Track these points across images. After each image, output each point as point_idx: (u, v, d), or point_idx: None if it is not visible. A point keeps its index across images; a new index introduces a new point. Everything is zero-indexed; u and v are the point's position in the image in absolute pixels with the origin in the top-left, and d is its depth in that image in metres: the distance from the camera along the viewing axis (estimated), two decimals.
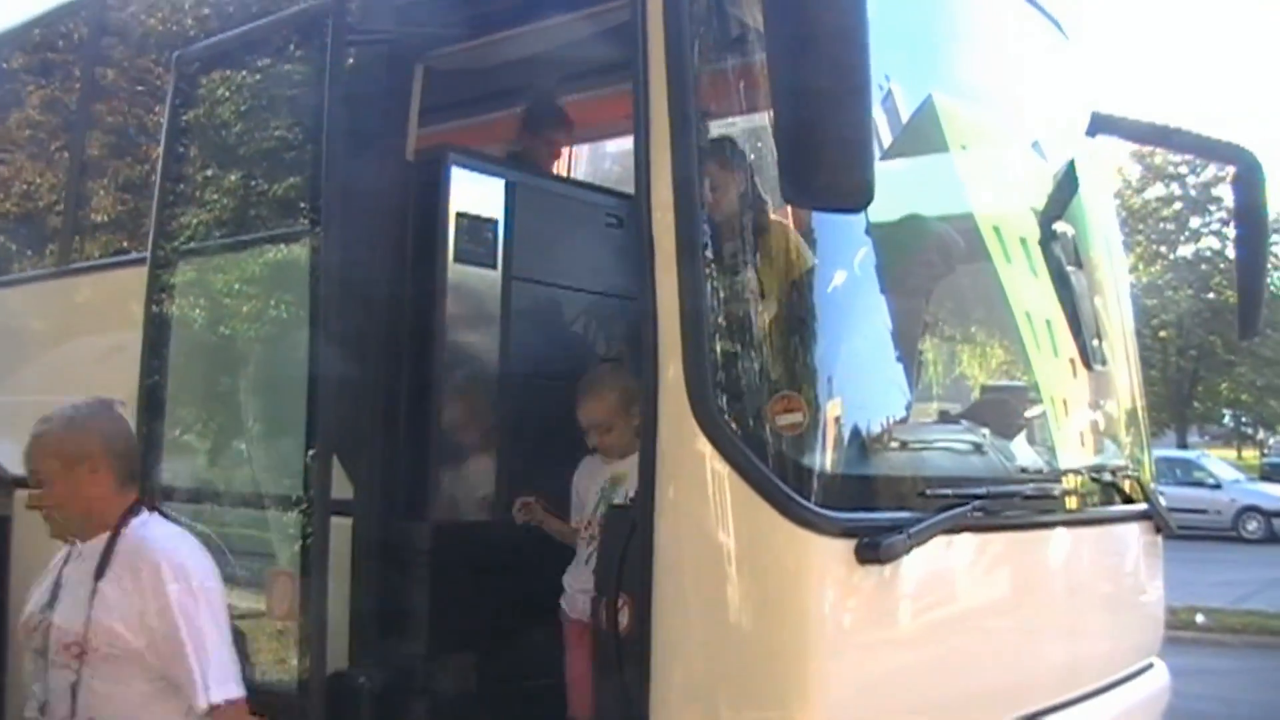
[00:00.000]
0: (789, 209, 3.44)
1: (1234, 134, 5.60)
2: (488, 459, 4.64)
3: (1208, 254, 40.31)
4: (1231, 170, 5.35)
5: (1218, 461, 34.20)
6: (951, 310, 4.36)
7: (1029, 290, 4.56)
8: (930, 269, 4.18)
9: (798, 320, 3.49)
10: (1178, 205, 39.27)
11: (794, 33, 2.96)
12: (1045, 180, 4.88)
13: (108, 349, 5.46)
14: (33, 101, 6.36)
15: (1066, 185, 4.94)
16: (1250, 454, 53.58)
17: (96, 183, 5.84)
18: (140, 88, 5.70)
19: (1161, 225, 39.39)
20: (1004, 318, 4.40)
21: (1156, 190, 39.15)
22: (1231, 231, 39.06)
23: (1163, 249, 39.71)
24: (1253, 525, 29.08)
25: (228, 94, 4.78)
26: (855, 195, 2.97)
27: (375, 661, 4.19)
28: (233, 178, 4.74)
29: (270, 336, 4.65)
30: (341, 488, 4.15)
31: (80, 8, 6.15)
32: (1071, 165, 4.99)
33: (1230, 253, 39.30)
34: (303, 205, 4.41)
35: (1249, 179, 5.26)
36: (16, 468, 5.58)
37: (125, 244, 5.58)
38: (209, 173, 4.81)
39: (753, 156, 3.54)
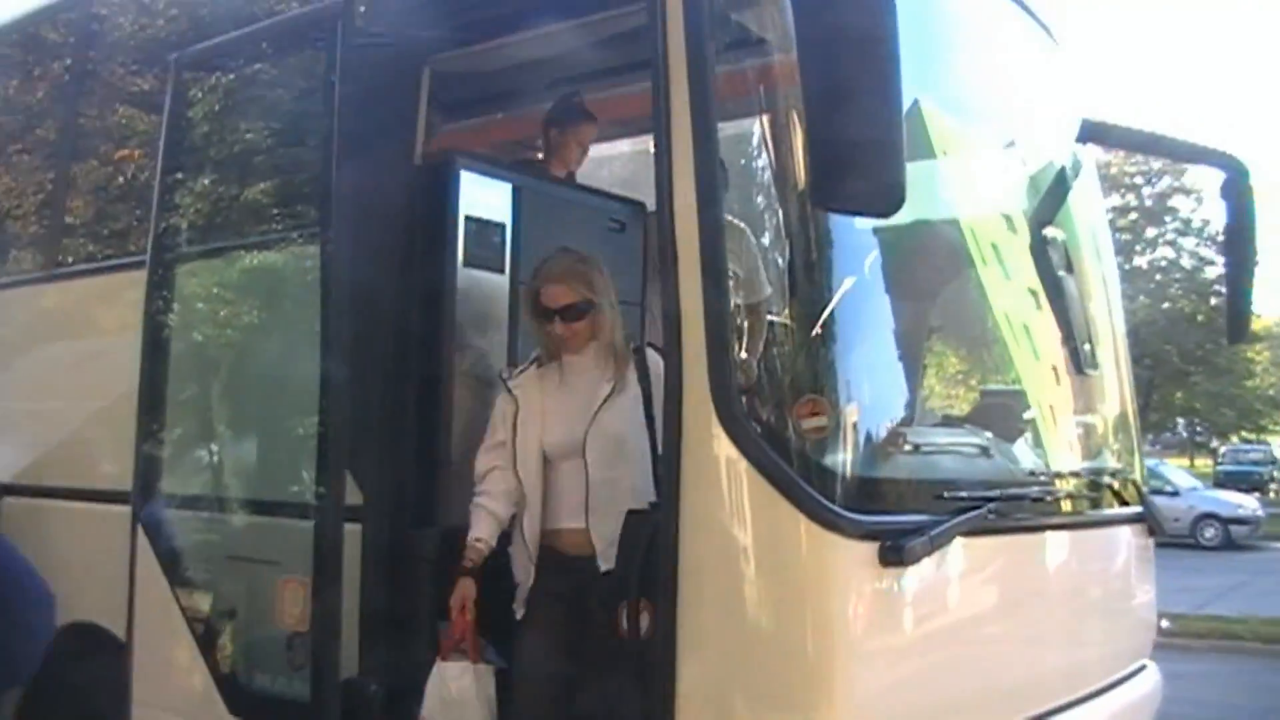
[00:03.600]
0: (812, 212, 3.44)
1: (1220, 140, 5.66)
2: None
3: (1163, 264, 40.68)
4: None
5: (1175, 469, 34.56)
6: (960, 315, 4.39)
7: (1027, 295, 4.59)
8: (939, 275, 4.22)
9: (820, 324, 3.49)
10: (1133, 215, 39.58)
11: (823, 35, 2.97)
12: (1040, 186, 4.91)
13: (98, 353, 5.42)
14: (23, 102, 6.29)
15: (1060, 190, 4.97)
16: (1202, 462, 54.07)
17: (87, 185, 5.78)
18: (132, 89, 5.65)
19: (1117, 235, 39.70)
20: (1005, 322, 4.43)
21: (1112, 200, 39.42)
22: (1186, 242, 39.78)
23: (1119, 259, 39.80)
24: (1210, 532, 29.37)
25: (229, 96, 4.75)
26: (886, 200, 2.98)
27: (385, 668, 4.17)
28: (236, 181, 4.72)
29: (275, 341, 4.64)
30: (350, 494, 4.13)
31: (70, 7, 6.09)
32: (1064, 171, 5.04)
33: (1185, 263, 39.87)
34: (310, 210, 4.40)
35: (1236, 186, 5.30)
36: (2, 474, 5.57)
37: (114, 248, 5.52)
38: (211, 176, 4.78)
39: (776, 160, 3.54)
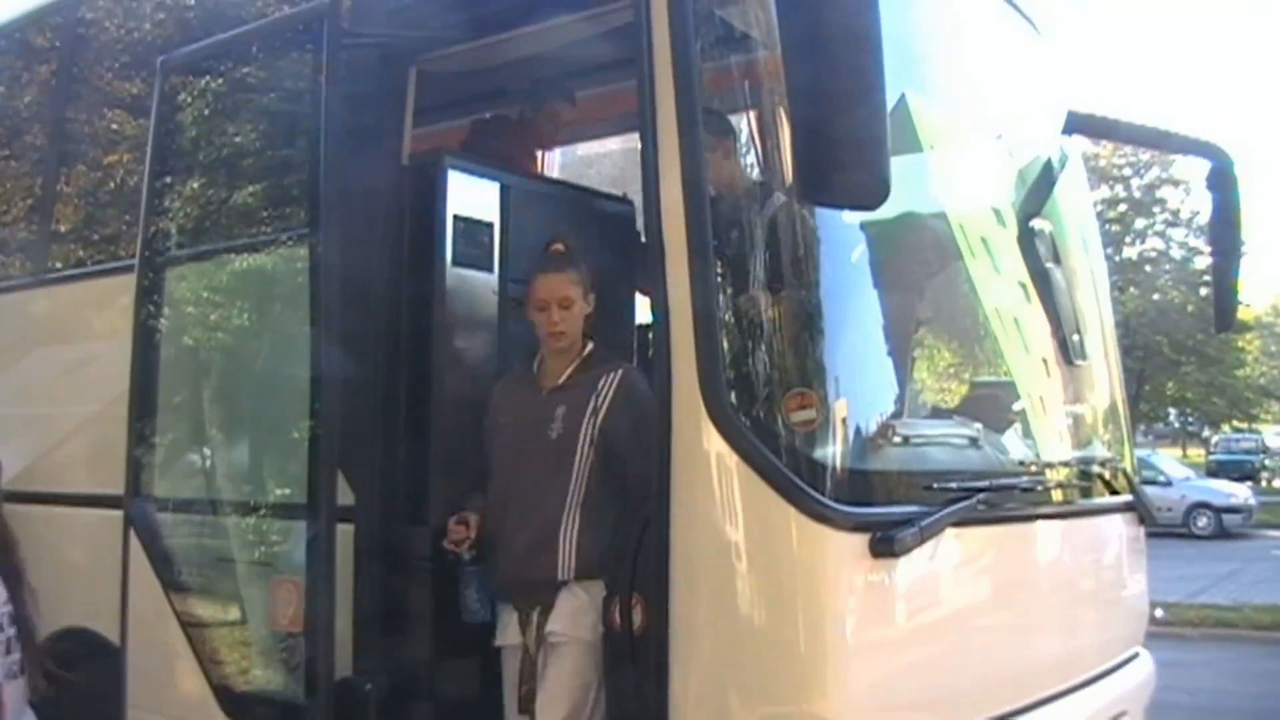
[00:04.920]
0: (798, 206, 3.45)
1: (1209, 129, 5.69)
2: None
3: (1153, 255, 40.71)
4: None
5: (1168, 459, 34.63)
6: (949, 307, 4.40)
7: (1016, 287, 4.61)
8: (928, 267, 4.23)
9: (808, 317, 3.51)
10: (1122, 207, 39.60)
11: (807, 32, 2.98)
12: (1027, 177, 4.93)
13: (88, 358, 5.42)
14: (10, 107, 6.29)
15: (1047, 182, 4.99)
16: (1194, 452, 54.21)
17: (75, 189, 5.78)
18: (119, 93, 5.65)
19: (1107, 227, 39.78)
20: (994, 313, 4.44)
21: (1101, 192, 39.46)
22: (1175, 233, 39.82)
23: (1108, 250, 39.98)
24: (1203, 521, 29.45)
25: (216, 99, 4.75)
26: (872, 193, 3.00)
27: (379, 667, 4.18)
28: (224, 184, 4.72)
29: (266, 343, 4.64)
30: (341, 494, 4.14)
31: (56, 11, 6.09)
32: (1050, 162, 5.06)
33: (1175, 254, 39.91)
34: (298, 211, 4.40)
35: (1223, 175, 5.33)
36: None
37: (104, 253, 5.52)
38: (199, 179, 4.78)
39: (762, 155, 3.56)
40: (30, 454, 5.55)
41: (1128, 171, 39.66)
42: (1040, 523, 4.35)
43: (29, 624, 4.24)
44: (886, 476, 3.64)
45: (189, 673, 4.48)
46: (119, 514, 4.73)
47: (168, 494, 4.72)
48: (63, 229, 5.81)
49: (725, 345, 3.41)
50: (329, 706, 3.99)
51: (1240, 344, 40.26)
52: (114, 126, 5.69)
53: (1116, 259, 37.91)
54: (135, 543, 4.68)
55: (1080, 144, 5.69)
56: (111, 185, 5.58)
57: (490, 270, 4.58)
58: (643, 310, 4.82)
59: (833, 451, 3.44)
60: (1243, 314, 6.69)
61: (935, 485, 3.68)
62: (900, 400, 3.89)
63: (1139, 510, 5.05)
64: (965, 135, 4.60)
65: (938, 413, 4.16)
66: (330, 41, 4.12)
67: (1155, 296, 39.22)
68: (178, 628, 4.55)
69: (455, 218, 4.44)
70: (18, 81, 6.32)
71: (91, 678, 4.87)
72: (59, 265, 5.74)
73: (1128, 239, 40.10)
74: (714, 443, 3.37)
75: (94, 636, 4.89)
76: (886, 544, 3.33)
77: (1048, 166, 5.02)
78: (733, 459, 3.35)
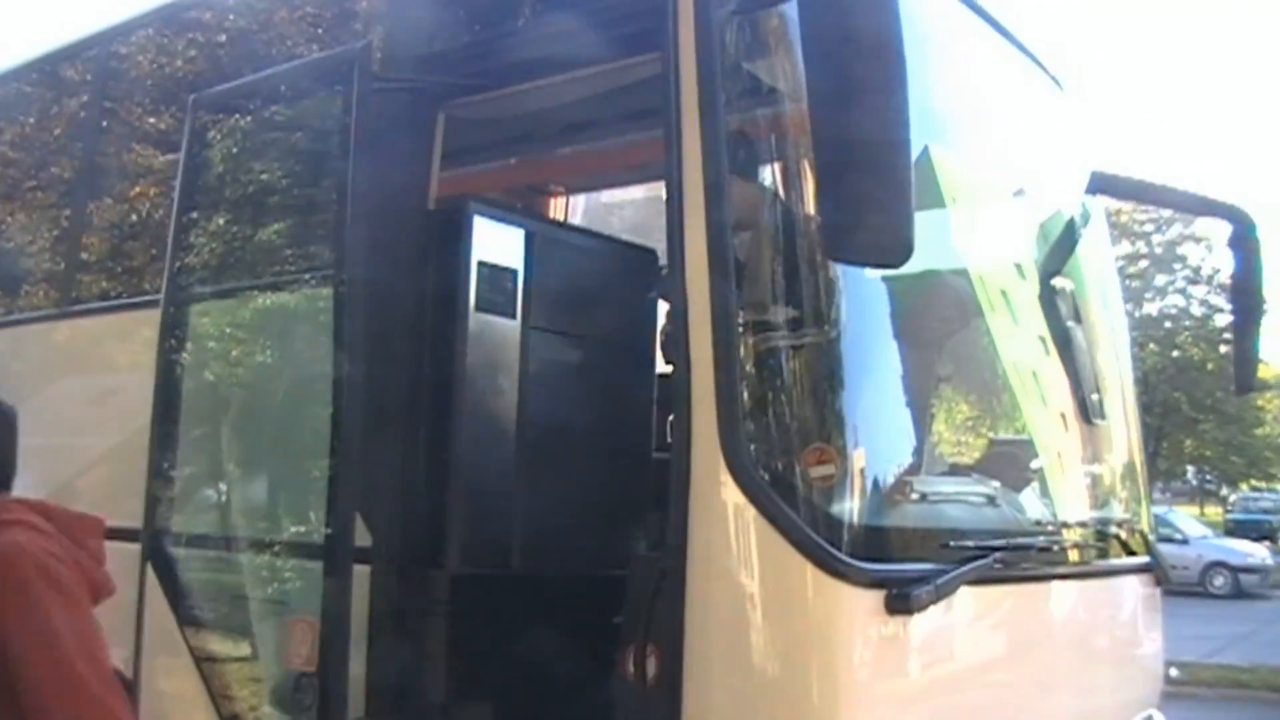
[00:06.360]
0: (822, 262, 3.47)
1: (1227, 193, 5.70)
2: (506, 508, 4.62)
3: (1173, 311, 40.67)
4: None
5: (1185, 517, 34.48)
6: (969, 364, 4.41)
7: (1036, 344, 4.63)
8: (949, 324, 4.24)
9: (829, 372, 3.52)
10: (1143, 263, 39.59)
11: (834, 87, 3.02)
12: (1049, 235, 4.95)
13: (110, 390, 5.45)
14: (41, 139, 6.36)
15: (1069, 240, 5.01)
16: (1212, 510, 53.88)
17: (103, 222, 5.83)
18: (149, 129, 5.71)
19: (1127, 283, 39.68)
20: (1014, 371, 4.45)
21: (1123, 248, 39.45)
22: (1196, 290, 39.74)
23: (1128, 306, 39.63)
24: (1219, 580, 29.31)
25: (246, 138, 4.80)
26: (896, 252, 3.02)
27: (393, 710, 4.17)
28: (250, 222, 4.76)
29: (287, 382, 4.66)
30: (359, 535, 4.14)
31: (89, 46, 6.16)
32: (1073, 221, 5.08)
33: (1195, 311, 39.82)
34: (323, 251, 4.43)
35: (1244, 238, 5.34)
36: None
37: (129, 286, 5.56)
38: (226, 216, 4.82)
39: (786, 209, 3.58)
40: (50, 484, 5.56)
41: (1149, 227, 39.69)
42: (1056, 582, 4.35)
43: None
44: (903, 533, 3.64)
45: (201, 708, 4.47)
46: (136, 547, 4.73)
47: (186, 529, 4.73)
48: (89, 261, 5.85)
49: (745, 398, 3.42)
50: None
51: (1260, 403, 40.14)
52: (142, 161, 5.73)
53: (1136, 315, 37.84)
54: (151, 576, 4.68)
55: (1103, 202, 5.71)
56: (138, 219, 5.62)
57: (513, 316, 4.60)
58: (662, 361, 4.82)
59: (850, 507, 3.44)
60: (1263, 372, 6.66)
61: (952, 543, 3.68)
62: (919, 457, 3.90)
63: (1155, 571, 5.03)
64: (989, 192, 4.62)
65: (956, 470, 4.15)
66: (360, 85, 4.15)
67: (1175, 353, 39.18)
68: (191, 663, 4.54)
69: (479, 263, 4.46)
70: (49, 113, 6.38)
71: None
72: (84, 297, 5.77)
73: (1148, 295, 40.06)
74: (732, 495, 3.37)
75: None
76: (902, 601, 3.32)
77: (1070, 224, 5.05)
78: (750, 512, 3.35)
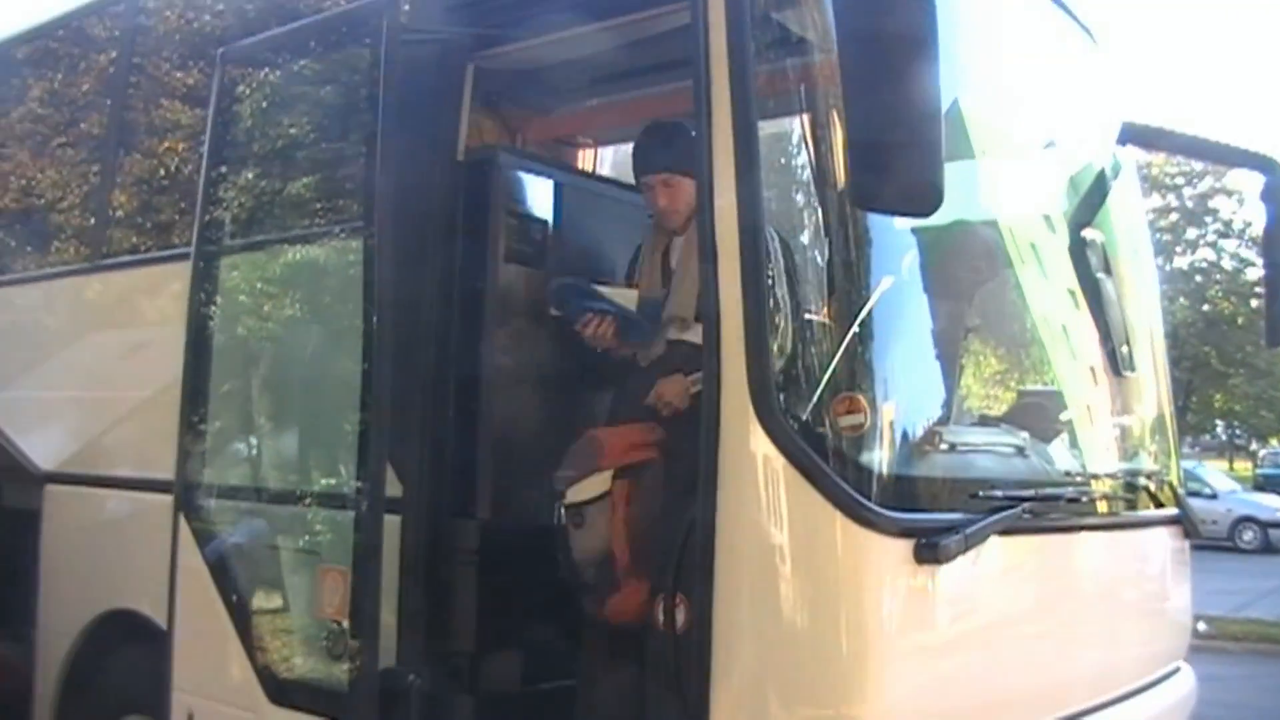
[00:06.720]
0: (851, 211, 3.46)
1: (1263, 143, 5.64)
2: (536, 458, 4.64)
3: (1203, 265, 40.37)
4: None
5: (1214, 472, 34.39)
6: (996, 315, 4.40)
7: (1065, 296, 4.60)
8: (978, 274, 4.23)
9: (859, 322, 3.50)
10: (1174, 216, 39.30)
11: (864, 36, 3.00)
12: (1079, 187, 4.92)
13: (139, 344, 5.49)
14: (70, 96, 6.37)
15: (1099, 192, 4.97)
16: (1241, 465, 53.69)
17: (133, 177, 5.85)
18: (177, 84, 5.71)
19: (1157, 236, 39.42)
20: (1043, 322, 4.45)
21: (1153, 201, 39.18)
22: (1227, 244, 39.44)
23: (1158, 260, 39.40)
24: (1249, 535, 29.26)
25: (274, 91, 4.80)
26: (925, 200, 3.00)
27: (424, 659, 4.21)
28: (279, 175, 4.76)
29: (317, 334, 4.68)
30: (390, 485, 4.17)
31: (116, 2, 6.16)
32: (1103, 172, 5.04)
33: (1226, 265, 39.53)
34: (353, 204, 4.44)
35: (1277, 189, 5.29)
36: (47, 463, 5.65)
37: (160, 240, 5.58)
38: (255, 170, 4.83)
39: (816, 158, 3.56)
40: (83, 437, 5.63)
41: (1180, 181, 39.37)
42: (1085, 534, 4.34)
43: None
44: (932, 483, 3.64)
45: (234, 658, 4.51)
46: (169, 499, 4.78)
47: (217, 480, 4.75)
48: (119, 215, 5.87)
49: (775, 347, 3.42)
50: (373, 697, 4.02)
51: None
52: (171, 116, 5.74)
53: (1167, 269, 37.65)
54: (184, 528, 4.72)
55: (1134, 154, 5.66)
56: (168, 173, 5.64)
57: (542, 267, 4.61)
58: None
59: (880, 457, 3.45)
60: None
61: (981, 493, 3.68)
62: (948, 407, 3.90)
63: (1184, 524, 5.01)
64: (1019, 143, 4.59)
65: (985, 420, 4.15)
66: (389, 36, 4.14)
67: (1205, 307, 38.91)
68: (224, 613, 4.59)
69: (508, 213, 4.47)
70: (77, 69, 6.39)
71: (138, 659, 4.95)
72: (115, 251, 5.80)
73: (1178, 249, 39.78)
74: (761, 445, 3.38)
75: (141, 619, 4.95)
76: (931, 550, 3.34)
77: (1101, 176, 5.01)
78: (780, 461, 3.36)
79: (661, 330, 4.41)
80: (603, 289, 4.38)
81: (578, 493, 4.19)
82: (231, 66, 4.87)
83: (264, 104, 4.83)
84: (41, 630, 5.48)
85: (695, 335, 3.91)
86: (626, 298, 4.44)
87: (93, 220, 5.97)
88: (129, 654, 5.05)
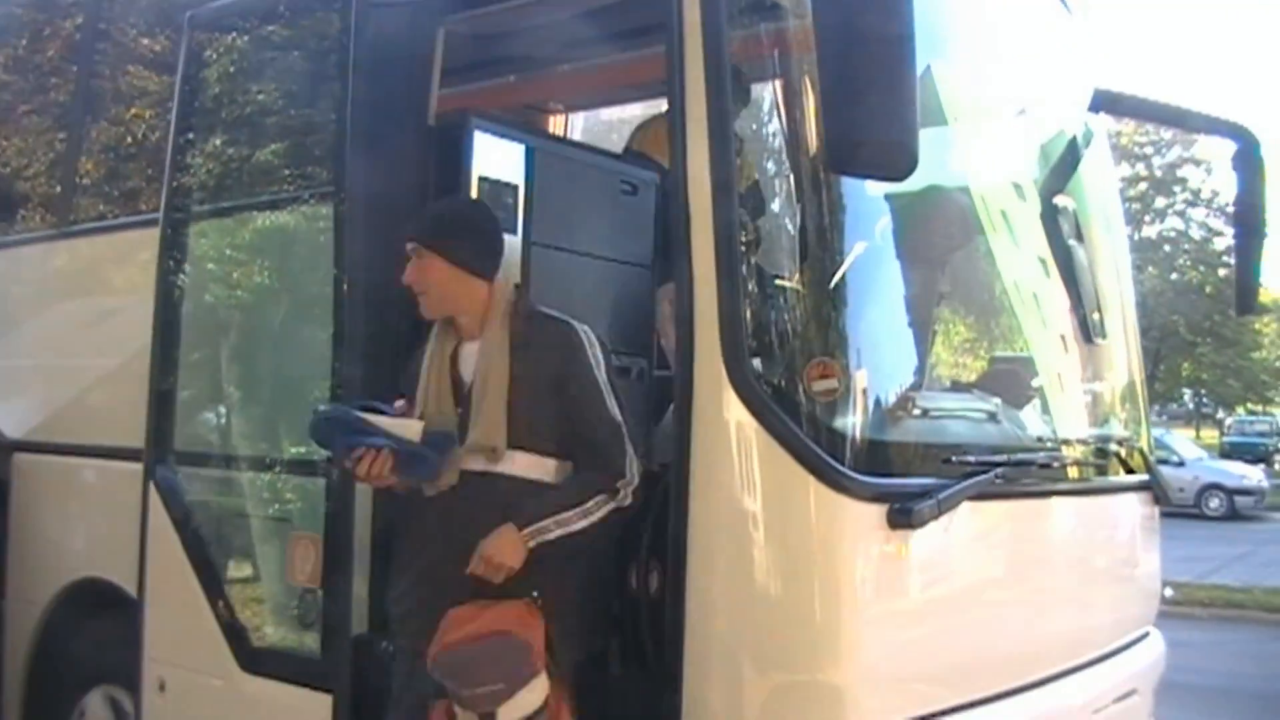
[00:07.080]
0: (825, 177, 3.45)
1: (1234, 110, 5.66)
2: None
3: (1172, 234, 40.59)
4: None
5: (1181, 440, 34.62)
6: (970, 282, 4.41)
7: (1037, 263, 4.61)
8: (951, 241, 4.24)
9: (832, 288, 3.52)
10: (1143, 185, 39.44)
11: (840, 5, 2.99)
12: (1051, 154, 4.92)
13: (108, 311, 5.44)
14: (36, 61, 6.29)
15: (1071, 160, 4.98)
16: (1208, 433, 54.09)
17: (100, 144, 5.79)
18: (145, 49, 5.65)
19: (1127, 205, 39.48)
20: (1015, 289, 4.45)
21: (1122, 170, 39.31)
22: (1196, 213, 39.64)
23: (1128, 229, 39.44)
24: (1215, 502, 29.50)
25: (243, 56, 4.75)
26: (900, 165, 3.00)
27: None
28: (249, 141, 4.72)
29: (288, 300, 4.65)
30: None
31: None
32: (1075, 140, 5.04)
33: (1195, 234, 39.74)
34: (323, 170, 4.41)
35: (1248, 157, 5.32)
36: (15, 431, 5.60)
37: (127, 207, 5.52)
38: (224, 136, 4.78)
39: (789, 123, 3.55)
40: (51, 406, 5.58)
41: (1149, 150, 39.55)
42: (1056, 499, 4.37)
43: None
44: (905, 448, 3.66)
45: (206, 626, 4.50)
46: (139, 467, 4.75)
47: (188, 448, 4.74)
48: (86, 182, 5.81)
49: (748, 314, 3.42)
50: (346, 663, 4.01)
51: (1257, 326, 40.16)
52: (139, 82, 5.68)
53: (1135, 238, 37.77)
54: (155, 496, 4.70)
55: (1105, 122, 5.67)
56: (134, 140, 5.58)
57: (514, 232, 4.57)
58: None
59: (853, 422, 3.46)
60: (1262, 296, 6.66)
61: (953, 459, 3.70)
62: (920, 373, 3.92)
63: (1154, 490, 5.04)
64: (992, 110, 4.59)
65: (957, 386, 4.17)
66: (358, 0, 4.11)
67: (1174, 276, 39.13)
68: (196, 581, 4.57)
69: (480, 179, 4.43)
70: (44, 34, 6.31)
71: (110, 628, 4.93)
72: (83, 218, 5.74)
73: (1147, 218, 39.98)
74: (735, 410, 3.39)
75: (112, 588, 4.92)
76: (904, 515, 3.35)
77: (1073, 144, 5.01)
78: (753, 427, 3.37)
79: (457, 461, 3.66)
80: (372, 417, 3.69)
81: (513, 710, 3.40)
82: (199, 31, 4.82)
83: (232, 69, 4.78)
84: (10, 600, 5.44)
85: (510, 465, 3.60)
86: (403, 425, 3.74)
87: (59, 187, 5.90)
88: (100, 623, 5.02)
